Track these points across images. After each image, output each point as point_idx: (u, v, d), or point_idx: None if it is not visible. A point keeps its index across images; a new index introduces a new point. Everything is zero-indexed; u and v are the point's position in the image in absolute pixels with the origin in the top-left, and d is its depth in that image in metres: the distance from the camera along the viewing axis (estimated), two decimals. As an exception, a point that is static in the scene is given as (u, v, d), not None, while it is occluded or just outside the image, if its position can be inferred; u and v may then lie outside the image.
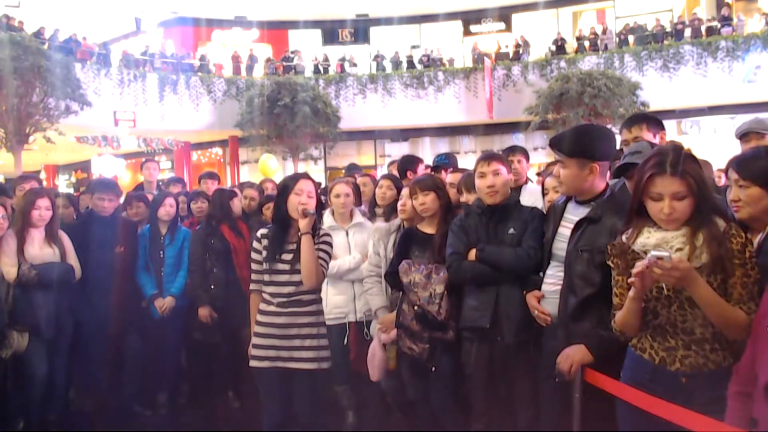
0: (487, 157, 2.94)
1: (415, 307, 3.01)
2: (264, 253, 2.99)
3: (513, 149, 3.99)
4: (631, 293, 1.95)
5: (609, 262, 2.13)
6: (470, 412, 2.93)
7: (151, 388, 4.41)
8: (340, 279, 3.78)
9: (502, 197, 2.89)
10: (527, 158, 3.95)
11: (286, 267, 2.95)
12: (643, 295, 1.95)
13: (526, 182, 3.91)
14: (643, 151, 2.39)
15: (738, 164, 2.03)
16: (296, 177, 3.06)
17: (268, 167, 9.78)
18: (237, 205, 4.58)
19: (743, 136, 3.21)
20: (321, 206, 3.23)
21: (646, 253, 1.91)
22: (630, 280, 1.92)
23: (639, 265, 1.86)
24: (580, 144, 2.45)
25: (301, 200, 2.92)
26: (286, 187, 3.00)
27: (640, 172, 1.99)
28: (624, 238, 2.05)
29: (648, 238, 1.96)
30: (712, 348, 1.92)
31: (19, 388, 3.67)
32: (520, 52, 17.70)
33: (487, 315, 2.78)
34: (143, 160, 6.36)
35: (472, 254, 2.86)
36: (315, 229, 2.97)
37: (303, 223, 2.88)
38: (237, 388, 4.49)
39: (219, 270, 4.29)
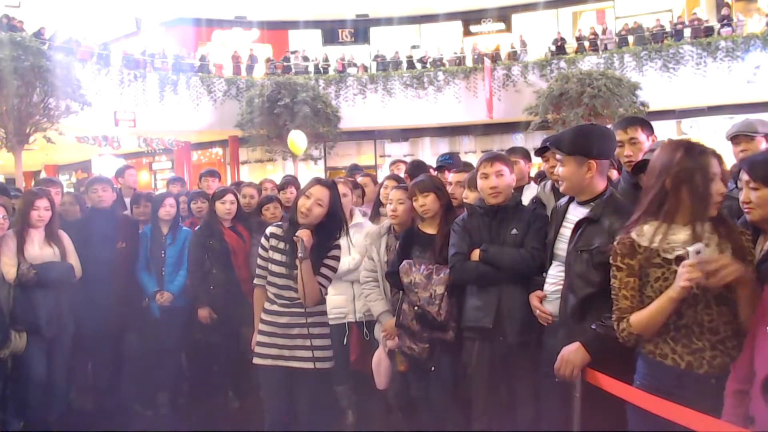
0: (490, 158, 2.94)
1: (416, 308, 3.01)
2: (270, 252, 2.95)
3: (513, 150, 3.98)
4: (673, 294, 1.86)
5: (616, 263, 2.03)
6: (471, 412, 2.93)
7: (151, 387, 4.40)
8: (340, 279, 3.77)
9: (504, 198, 2.89)
10: (527, 159, 3.95)
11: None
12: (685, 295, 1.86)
13: (528, 182, 3.91)
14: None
15: (749, 166, 2.02)
16: (313, 182, 2.91)
17: (295, 143, 9.55)
18: (221, 208, 4.33)
19: (733, 138, 3.21)
20: (339, 210, 2.96)
21: (670, 251, 1.89)
22: (684, 281, 1.80)
23: (688, 265, 1.79)
24: (577, 141, 2.45)
25: (306, 205, 2.82)
26: (301, 189, 2.92)
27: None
28: (634, 235, 1.98)
29: (674, 235, 1.91)
30: (733, 345, 1.90)
31: (19, 388, 3.67)
32: (518, 52, 17.70)
33: (490, 315, 2.78)
34: (121, 166, 6.02)
35: (475, 254, 2.86)
36: (339, 230, 2.92)
37: (300, 248, 2.75)
38: (237, 388, 4.48)
39: (218, 271, 4.28)
